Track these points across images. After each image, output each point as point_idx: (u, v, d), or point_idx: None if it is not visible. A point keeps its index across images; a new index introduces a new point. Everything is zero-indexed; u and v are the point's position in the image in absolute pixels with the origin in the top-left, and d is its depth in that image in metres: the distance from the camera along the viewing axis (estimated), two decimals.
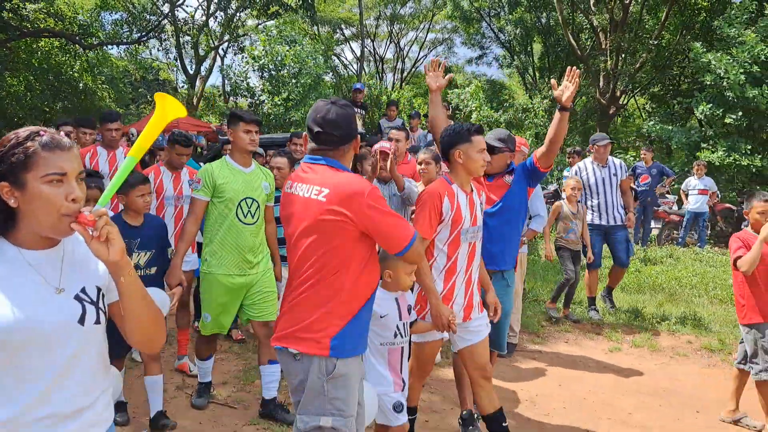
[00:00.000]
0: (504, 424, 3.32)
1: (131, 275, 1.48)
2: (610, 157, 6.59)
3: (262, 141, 6.21)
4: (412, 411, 3.48)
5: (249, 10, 18.19)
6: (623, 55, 19.96)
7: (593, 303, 6.54)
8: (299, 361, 2.32)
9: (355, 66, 36.68)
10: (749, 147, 11.35)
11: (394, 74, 37.00)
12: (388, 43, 35.86)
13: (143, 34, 18.53)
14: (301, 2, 17.54)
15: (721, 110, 11.54)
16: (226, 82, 16.83)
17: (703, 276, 8.00)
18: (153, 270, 3.69)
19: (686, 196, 10.45)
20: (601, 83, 19.98)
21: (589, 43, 21.86)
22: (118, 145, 5.38)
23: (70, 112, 20.82)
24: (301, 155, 5.65)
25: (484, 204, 3.51)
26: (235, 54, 20.66)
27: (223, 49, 22.98)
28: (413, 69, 36.64)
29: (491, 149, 3.74)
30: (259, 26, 16.49)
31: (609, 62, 19.58)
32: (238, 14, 18.67)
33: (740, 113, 11.32)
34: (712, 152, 11.52)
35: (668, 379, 4.85)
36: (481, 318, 3.41)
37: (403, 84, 35.57)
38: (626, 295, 7.29)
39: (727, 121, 11.46)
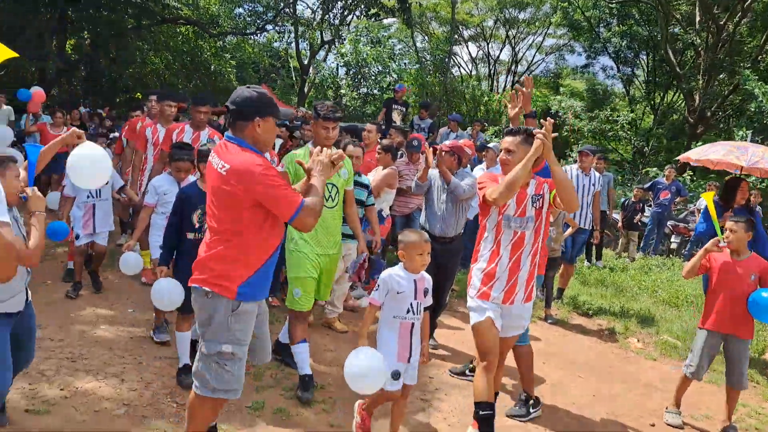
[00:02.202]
0: (483, 413, 3.46)
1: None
2: (593, 169, 7.31)
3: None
4: (485, 406, 3.46)
5: (352, 11, 20.10)
6: (720, 75, 19.73)
7: (561, 294, 7.39)
8: (210, 299, 2.77)
9: (468, 66, 37.86)
10: None
11: (506, 76, 37.60)
12: (503, 45, 36.42)
13: (260, 27, 21.10)
14: (399, 5, 19.04)
15: (760, 137, 11.77)
16: (317, 74, 18.76)
17: (662, 282, 8.74)
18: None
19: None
20: (695, 102, 19.83)
21: (691, 61, 21.65)
22: (205, 126, 5.82)
23: (201, 90, 24.10)
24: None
25: (545, 199, 3.52)
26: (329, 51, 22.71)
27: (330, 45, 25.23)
28: (527, 72, 36.93)
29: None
30: (349, 27, 18.37)
31: (701, 81, 19.43)
32: (343, 13, 20.65)
33: None
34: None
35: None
36: (524, 309, 3.60)
37: (515, 85, 36.12)
38: (587, 288, 8.31)
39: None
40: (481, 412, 3.45)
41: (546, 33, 34.21)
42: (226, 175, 2.69)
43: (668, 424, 4.42)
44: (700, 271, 4.42)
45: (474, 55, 37.71)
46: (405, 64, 15.95)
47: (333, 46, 19.54)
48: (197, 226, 3.93)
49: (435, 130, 10.83)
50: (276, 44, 29.86)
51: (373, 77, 15.30)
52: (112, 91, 22.64)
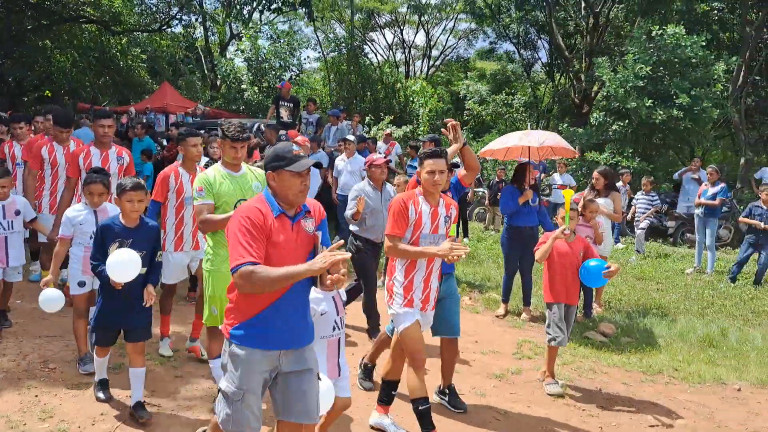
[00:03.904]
0: (421, 408, 3.83)
1: None
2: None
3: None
4: (426, 400, 3.84)
5: (254, 7, 20.73)
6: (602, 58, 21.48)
7: None
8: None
9: (386, 53, 38.78)
10: (631, 150, 13.16)
11: (422, 61, 38.71)
12: (416, 30, 37.33)
13: (164, 22, 21.45)
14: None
15: (611, 118, 13.36)
16: (217, 69, 19.33)
17: None
18: (143, 270, 3.87)
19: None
20: (582, 84, 21.49)
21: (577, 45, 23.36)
22: (110, 144, 5.50)
23: (111, 87, 24.20)
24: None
25: (453, 218, 3.92)
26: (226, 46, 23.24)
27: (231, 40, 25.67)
28: (441, 56, 37.99)
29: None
30: (249, 22, 19.00)
31: (585, 64, 21.11)
32: (244, 8, 21.21)
33: (626, 121, 13.12)
34: (600, 153, 13.40)
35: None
36: (432, 315, 3.98)
37: (431, 70, 37.31)
38: None
39: (614, 128, 13.29)
40: (420, 408, 3.84)
41: (457, 18, 35.53)
42: None
43: (550, 395, 4.91)
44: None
45: (390, 41, 38.53)
46: (307, 57, 16.73)
47: (233, 42, 20.14)
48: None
49: (322, 125, 11.74)
50: (196, 35, 30.03)
51: (273, 72, 16.03)
52: (18, 90, 22.49)
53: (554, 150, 7.13)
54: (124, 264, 3.70)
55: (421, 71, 37.06)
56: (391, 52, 38.67)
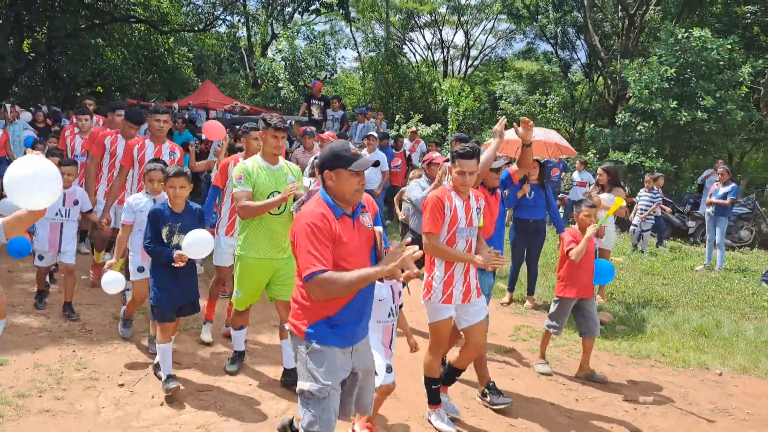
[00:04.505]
0: (433, 387, 4.06)
1: None
2: None
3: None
4: (436, 381, 4.06)
5: (293, 5, 21.44)
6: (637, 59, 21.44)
7: None
8: (292, 336, 2.87)
9: (425, 53, 39.16)
10: (655, 151, 13.27)
11: (461, 61, 38.91)
12: (455, 30, 37.57)
13: (208, 23, 22.40)
14: (338, 1, 20.37)
15: (637, 119, 13.50)
16: (256, 69, 20.09)
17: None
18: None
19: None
20: (617, 85, 21.48)
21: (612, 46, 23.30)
22: (164, 138, 5.68)
23: (158, 84, 25.33)
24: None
25: (482, 209, 4.00)
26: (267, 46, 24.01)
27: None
28: (480, 56, 38.13)
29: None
30: (288, 23, 19.67)
31: (618, 65, 21.09)
32: (283, 9, 21.96)
33: (651, 122, 13.25)
34: (625, 153, 13.55)
35: None
36: (479, 302, 3.99)
37: (469, 69, 37.53)
38: None
39: (639, 128, 13.43)
40: (433, 386, 4.10)
41: (497, 18, 35.63)
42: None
43: (541, 373, 5.24)
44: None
45: (429, 41, 38.86)
46: (342, 57, 17.33)
47: (272, 42, 20.87)
48: (166, 242, 4.21)
49: (347, 121, 12.32)
50: (240, 34, 31.08)
51: (309, 71, 16.68)
52: (72, 86, 23.79)
53: (560, 148, 7.47)
54: (198, 241, 4.05)
55: (459, 71, 37.29)
56: (430, 52, 39.11)
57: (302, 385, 2.76)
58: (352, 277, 2.57)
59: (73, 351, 4.92)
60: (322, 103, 12.36)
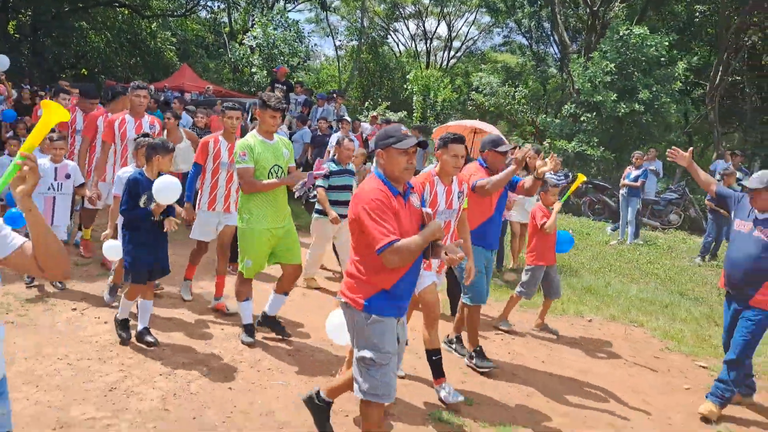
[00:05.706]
0: (434, 358, 4.20)
1: (33, 213, 1.85)
2: None
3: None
4: (437, 352, 4.19)
5: None
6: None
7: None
8: (347, 308, 3.01)
9: (409, 43, 39.92)
10: (597, 140, 14.30)
11: (443, 52, 39.63)
12: (438, 21, 38.25)
13: (188, 9, 23.16)
14: None
15: (581, 110, 14.52)
16: (234, 55, 20.89)
17: None
18: (162, 218, 4.45)
19: None
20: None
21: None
22: (143, 113, 5.88)
23: (141, 67, 26.06)
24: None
25: (465, 193, 4.18)
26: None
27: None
28: (462, 47, 38.88)
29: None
30: (262, 12, 20.47)
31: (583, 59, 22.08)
32: None
33: (594, 114, 14.29)
34: (569, 142, 14.55)
35: None
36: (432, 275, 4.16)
37: (451, 61, 38.34)
38: None
39: (582, 119, 14.46)
40: (434, 357, 4.24)
41: (478, 11, 36.38)
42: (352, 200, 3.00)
43: (506, 331, 5.87)
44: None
45: (413, 32, 39.56)
46: (316, 44, 18.17)
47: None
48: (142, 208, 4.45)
49: (308, 105, 13.25)
50: (223, 20, 31.71)
51: (282, 57, 17.52)
52: (56, 67, 24.48)
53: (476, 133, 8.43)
54: (167, 187, 4.26)
55: (443, 62, 38.06)
56: (413, 43, 39.83)
57: (363, 353, 2.94)
58: (418, 241, 2.83)
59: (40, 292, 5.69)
60: (285, 87, 13.24)
